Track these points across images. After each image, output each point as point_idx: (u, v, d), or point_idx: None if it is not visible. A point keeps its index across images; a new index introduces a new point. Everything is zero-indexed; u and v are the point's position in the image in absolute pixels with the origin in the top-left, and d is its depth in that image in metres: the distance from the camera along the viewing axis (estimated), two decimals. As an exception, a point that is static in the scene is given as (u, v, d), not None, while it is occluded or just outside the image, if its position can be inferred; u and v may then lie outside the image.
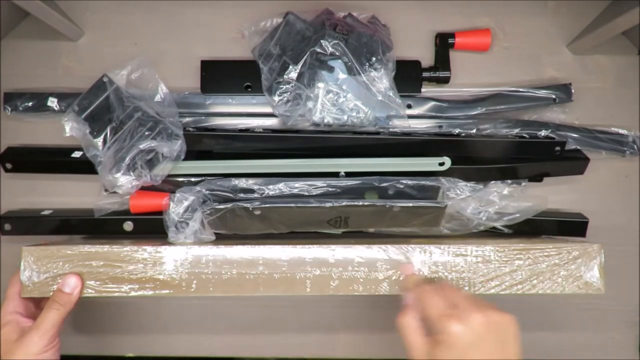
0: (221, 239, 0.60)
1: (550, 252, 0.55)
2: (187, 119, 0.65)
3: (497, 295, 0.54)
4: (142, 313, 0.70)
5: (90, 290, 0.53)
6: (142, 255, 0.54)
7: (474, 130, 0.66)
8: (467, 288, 0.54)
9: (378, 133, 0.64)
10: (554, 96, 0.67)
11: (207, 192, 0.60)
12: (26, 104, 0.65)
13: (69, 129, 0.61)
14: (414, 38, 0.69)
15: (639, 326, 0.71)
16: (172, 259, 0.54)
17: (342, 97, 0.61)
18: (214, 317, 0.70)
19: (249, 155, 0.63)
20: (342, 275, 0.54)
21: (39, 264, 0.53)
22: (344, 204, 0.58)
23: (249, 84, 0.65)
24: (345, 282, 0.54)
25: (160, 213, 0.61)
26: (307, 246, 0.54)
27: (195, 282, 0.54)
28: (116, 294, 0.54)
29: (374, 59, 0.61)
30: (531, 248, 0.55)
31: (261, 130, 0.65)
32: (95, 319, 0.69)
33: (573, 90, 0.67)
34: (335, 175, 0.63)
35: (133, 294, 0.54)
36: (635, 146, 0.68)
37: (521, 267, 0.55)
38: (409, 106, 0.66)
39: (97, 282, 0.54)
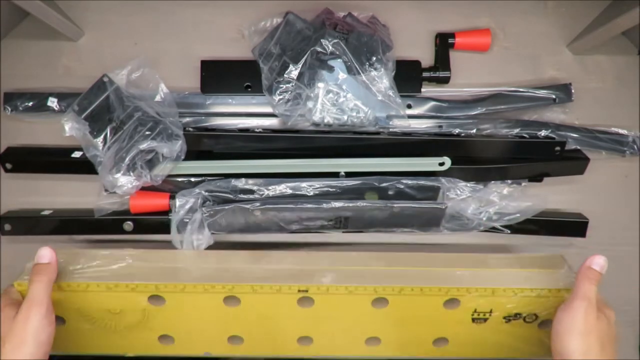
0: (221, 240, 0.60)
1: None
2: (187, 119, 0.65)
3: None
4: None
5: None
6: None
7: (474, 130, 0.66)
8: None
9: (378, 133, 0.64)
10: (554, 96, 0.67)
11: (207, 193, 0.60)
12: (26, 104, 0.65)
13: (69, 129, 0.61)
14: (414, 38, 0.69)
15: (639, 326, 0.71)
16: (170, 263, 0.54)
17: (342, 97, 0.61)
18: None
19: (249, 155, 0.63)
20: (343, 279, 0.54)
21: None
22: (344, 204, 0.58)
23: (249, 83, 0.65)
24: (345, 284, 0.54)
25: (160, 213, 0.61)
26: (306, 251, 0.55)
27: (195, 285, 0.54)
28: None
29: (374, 58, 0.61)
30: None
31: (261, 130, 0.65)
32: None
33: (573, 90, 0.67)
34: (335, 175, 0.63)
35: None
36: (635, 146, 0.68)
37: None
38: (409, 106, 0.66)
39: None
